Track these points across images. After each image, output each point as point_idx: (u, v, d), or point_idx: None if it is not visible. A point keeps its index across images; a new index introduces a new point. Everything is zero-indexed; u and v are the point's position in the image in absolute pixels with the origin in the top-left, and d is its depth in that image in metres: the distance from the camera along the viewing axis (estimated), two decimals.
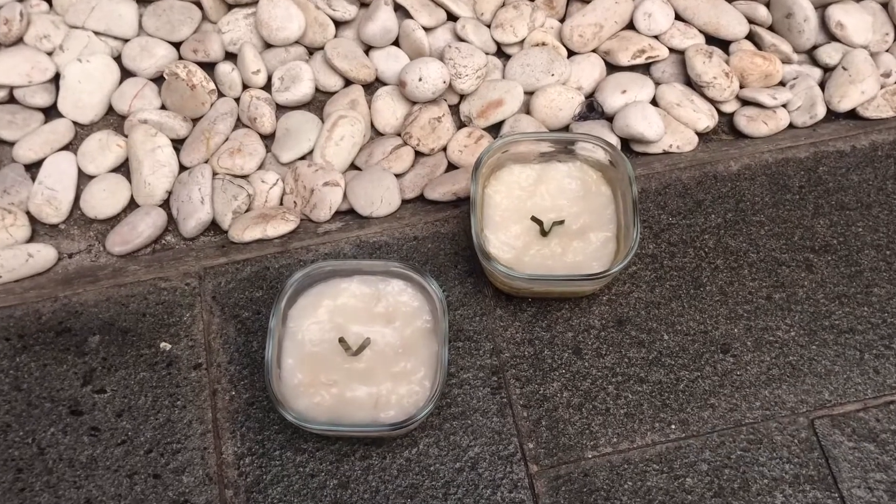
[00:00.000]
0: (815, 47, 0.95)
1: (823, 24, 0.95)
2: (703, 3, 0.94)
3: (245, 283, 0.81)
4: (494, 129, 0.91)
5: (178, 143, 0.90)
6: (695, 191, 0.86)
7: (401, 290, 0.74)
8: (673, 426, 0.76)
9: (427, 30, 0.93)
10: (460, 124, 0.92)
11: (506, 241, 0.78)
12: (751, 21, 0.94)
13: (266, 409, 0.76)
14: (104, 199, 0.87)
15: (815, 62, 0.95)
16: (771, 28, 0.95)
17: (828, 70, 0.94)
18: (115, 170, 0.90)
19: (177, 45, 0.94)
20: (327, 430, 0.68)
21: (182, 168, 0.89)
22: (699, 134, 0.90)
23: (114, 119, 0.93)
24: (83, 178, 0.89)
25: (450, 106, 0.92)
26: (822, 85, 0.93)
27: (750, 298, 0.81)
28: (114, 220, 0.87)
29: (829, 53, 0.94)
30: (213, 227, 0.87)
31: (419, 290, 0.74)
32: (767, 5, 0.96)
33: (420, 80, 0.88)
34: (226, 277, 0.82)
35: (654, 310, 0.81)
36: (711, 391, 0.77)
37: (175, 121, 0.90)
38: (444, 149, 0.90)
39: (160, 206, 0.87)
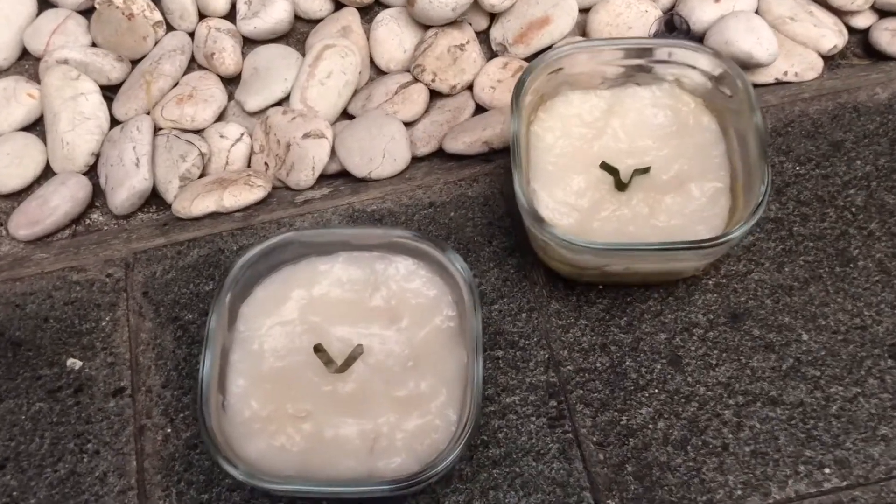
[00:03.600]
0: None
1: None
2: None
3: (189, 271, 0.57)
4: None
5: (109, 92, 0.67)
6: (829, 128, 0.60)
7: (409, 274, 0.49)
8: (827, 470, 0.50)
9: None
10: (491, 55, 0.67)
11: (564, 200, 0.53)
12: None
13: None
14: (8, 166, 0.64)
15: None
16: None
17: None
18: (28, 129, 0.66)
19: None
20: (296, 490, 0.43)
21: (115, 123, 0.65)
22: (824, 57, 0.65)
23: (29, 65, 0.70)
24: None
25: (476, 33, 0.68)
26: None
27: None
28: (23, 196, 0.64)
29: None
30: (155, 200, 0.63)
31: (437, 271, 0.49)
32: None
33: None
34: (163, 265, 0.57)
35: (784, 297, 0.55)
36: (881, 416, 0.51)
37: (105, 59, 0.66)
38: (470, 87, 0.66)
39: (84, 174, 0.64)
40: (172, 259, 0.57)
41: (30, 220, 0.61)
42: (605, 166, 0.53)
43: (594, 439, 0.51)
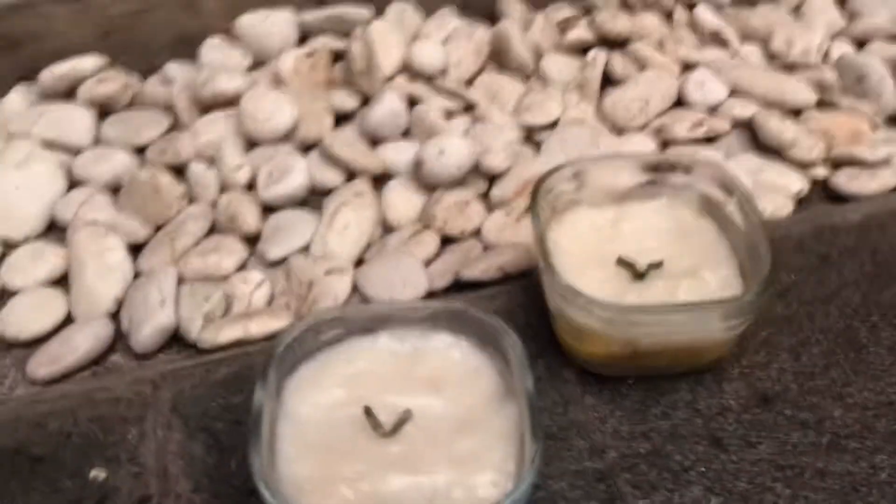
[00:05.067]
0: (893, 118, 0.81)
1: None
2: (758, 74, 0.82)
3: (218, 387, 0.56)
4: None
5: (134, 251, 0.69)
6: (812, 244, 0.66)
7: (450, 346, 0.50)
8: None
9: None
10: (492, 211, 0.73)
11: (587, 291, 0.55)
12: (819, 88, 0.81)
13: None
14: (30, 313, 0.64)
15: None
16: None
17: None
18: (51, 285, 0.68)
19: (140, 151, 0.77)
20: None
21: (138, 277, 0.67)
22: (793, 200, 0.72)
23: (55, 236, 0.73)
24: (6, 297, 0.66)
25: (478, 195, 0.74)
26: None
27: None
28: (42, 343, 0.64)
29: None
30: (177, 341, 0.63)
31: (477, 343, 0.50)
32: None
33: (441, 153, 0.71)
34: (191, 381, 0.57)
35: (807, 381, 0.56)
36: None
37: (132, 222, 0.70)
38: (477, 233, 0.70)
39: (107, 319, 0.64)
40: (201, 377, 0.57)
41: (50, 359, 0.61)
42: (622, 261, 0.56)
43: None
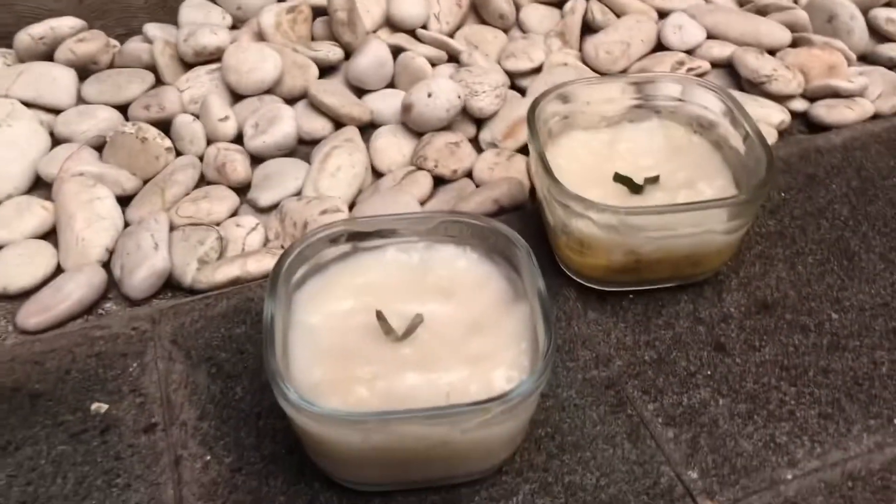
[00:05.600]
0: (863, 56, 0.83)
1: (870, 30, 0.83)
2: (733, 17, 0.83)
3: (219, 319, 0.56)
4: (527, 151, 0.73)
5: (123, 202, 0.68)
6: (799, 165, 0.67)
7: (456, 257, 0.50)
8: None
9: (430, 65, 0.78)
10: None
11: None
12: (791, 29, 0.83)
13: (266, 472, 0.47)
14: (19, 265, 0.63)
15: (875, 63, 0.82)
16: None
17: (893, 67, 0.81)
18: (39, 238, 0.66)
19: (123, 108, 0.76)
20: (379, 417, 0.40)
21: (129, 227, 0.66)
22: (775, 130, 0.73)
23: (41, 192, 0.71)
24: None
25: (467, 139, 0.74)
26: None
27: None
28: (31, 294, 0.62)
29: (891, 48, 0.82)
30: (171, 287, 0.62)
31: (484, 253, 0.50)
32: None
33: (430, 95, 0.71)
34: (191, 316, 0.56)
35: (804, 288, 0.57)
36: None
37: (120, 173, 0.69)
38: (469, 174, 0.71)
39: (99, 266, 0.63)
40: (201, 311, 0.56)
41: (40, 308, 0.59)
42: (619, 177, 0.57)
43: (660, 420, 0.50)
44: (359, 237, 0.49)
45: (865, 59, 0.83)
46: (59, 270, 0.64)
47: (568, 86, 0.59)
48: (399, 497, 0.46)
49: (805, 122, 0.76)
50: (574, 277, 0.57)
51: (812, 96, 0.77)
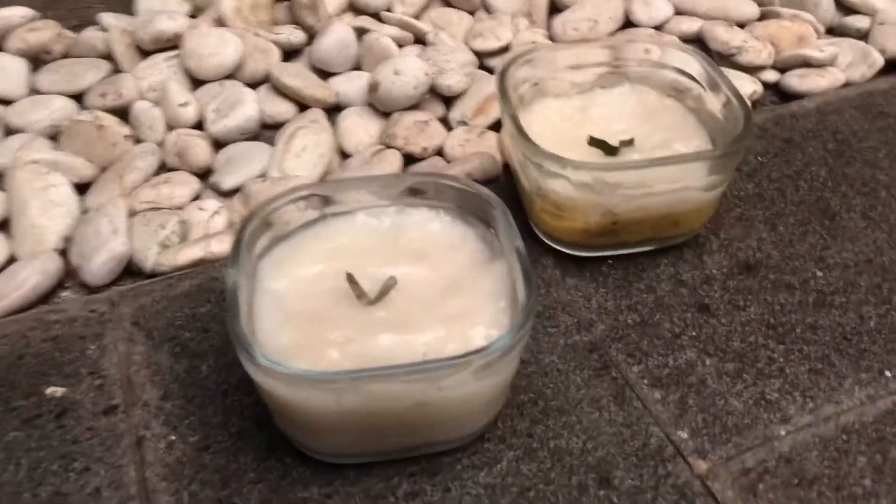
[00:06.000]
0: (830, 29, 0.83)
1: (836, 3, 0.83)
2: None
3: (183, 299, 0.53)
4: (498, 128, 0.71)
5: (81, 190, 0.66)
6: (775, 130, 0.66)
7: (429, 220, 0.48)
8: (888, 373, 0.48)
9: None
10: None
11: None
12: (759, 3, 0.82)
13: (234, 449, 0.44)
14: None
15: (843, 35, 0.81)
16: None
17: (861, 38, 0.81)
18: None
19: (79, 97, 0.73)
20: (352, 375, 0.38)
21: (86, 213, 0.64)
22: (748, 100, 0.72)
23: None
24: None
25: (437, 119, 0.72)
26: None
27: None
28: None
29: (857, 20, 0.81)
30: (132, 272, 0.59)
31: (457, 215, 0.48)
32: None
33: (396, 73, 0.69)
34: (152, 297, 0.53)
35: (787, 248, 0.56)
36: None
37: (76, 160, 0.66)
38: (439, 152, 0.69)
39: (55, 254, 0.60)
40: (162, 291, 0.54)
41: None
42: (593, 141, 0.55)
43: (646, 382, 0.48)
44: (326, 202, 0.47)
45: (833, 31, 0.83)
46: (13, 261, 0.61)
47: (537, 51, 0.58)
48: (376, 469, 0.43)
49: (777, 93, 0.75)
50: (551, 244, 0.55)
51: (783, 67, 0.76)
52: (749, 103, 0.70)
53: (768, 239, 0.56)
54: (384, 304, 0.43)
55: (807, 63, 0.75)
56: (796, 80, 0.73)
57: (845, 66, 0.76)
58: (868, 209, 0.58)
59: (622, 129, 0.57)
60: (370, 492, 0.42)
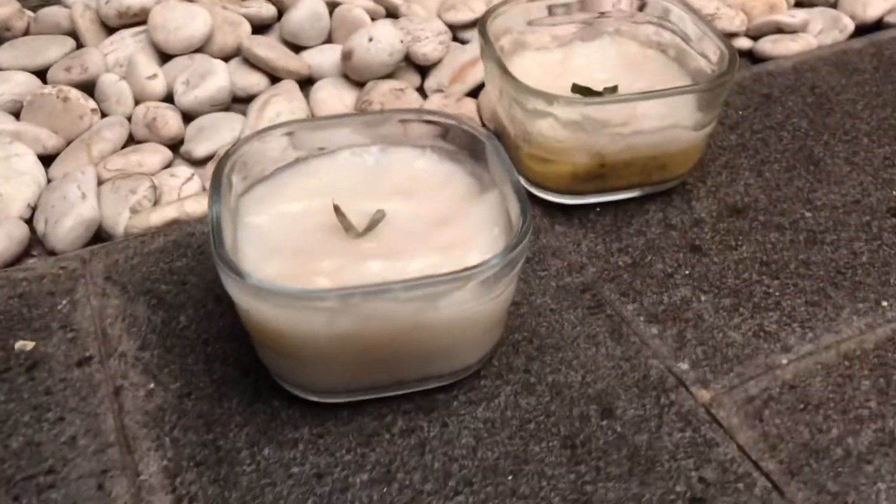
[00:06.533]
0: (799, 3, 0.83)
1: None
2: None
3: (158, 254, 0.51)
4: (476, 95, 0.70)
5: (45, 162, 0.63)
6: (754, 87, 0.65)
7: (415, 158, 0.47)
8: (885, 303, 0.47)
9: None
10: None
11: None
12: None
13: (218, 395, 0.42)
14: None
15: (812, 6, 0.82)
16: None
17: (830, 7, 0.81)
18: None
19: (41, 74, 0.71)
20: (346, 293, 0.36)
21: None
22: None
23: None
24: None
25: (413, 88, 0.71)
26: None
27: (893, 162, 0.57)
28: None
29: None
30: (102, 239, 0.57)
31: (443, 154, 0.47)
32: None
33: (371, 40, 0.68)
34: (125, 254, 0.51)
35: (774, 192, 0.55)
36: None
37: (40, 130, 0.64)
38: None
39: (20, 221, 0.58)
40: (136, 248, 0.51)
41: None
42: (577, 88, 0.54)
43: (642, 318, 0.46)
44: (305, 140, 0.45)
45: (801, 4, 0.83)
46: None
47: (515, 4, 0.57)
48: (368, 408, 0.41)
49: (751, 59, 0.75)
50: (538, 193, 0.54)
51: (756, 34, 0.76)
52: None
53: (755, 184, 0.56)
54: (373, 237, 0.42)
55: (779, 29, 0.75)
56: (769, 46, 0.74)
57: (817, 32, 0.76)
58: (851, 155, 0.58)
59: (605, 79, 0.56)
60: (364, 430, 0.40)
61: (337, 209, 0.42)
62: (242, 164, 0.43)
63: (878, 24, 0.77)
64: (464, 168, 0.46)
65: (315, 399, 0.41)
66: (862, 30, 0.77)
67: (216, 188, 0.41)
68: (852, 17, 0.77)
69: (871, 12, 0.77)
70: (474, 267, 0.36)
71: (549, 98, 0.48)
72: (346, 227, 0.42)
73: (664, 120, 0.50)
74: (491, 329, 0.41)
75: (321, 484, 0.38)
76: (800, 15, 0.76)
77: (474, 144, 0.45)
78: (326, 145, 0.46)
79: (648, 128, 0.50)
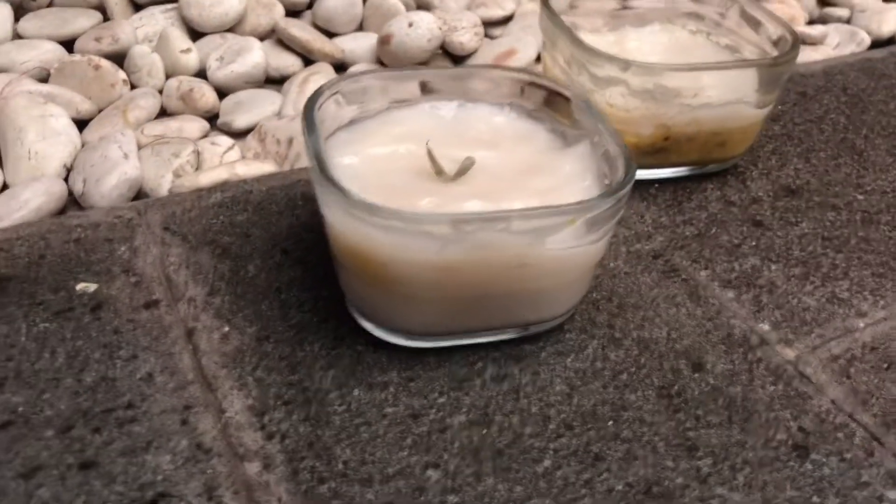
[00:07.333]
0: (811, 22, 0.86)
1: None
2: None
3: (216, 209, 0.49)
4: None
5: (78, 126, 0.61)
6: (788, 86, 0.67)
7: (495, 114, 0.46)
8: None
9: None
10: None
11: None
12: None
13: (298, 339, 0.40)
14: None
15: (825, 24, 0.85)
16: None
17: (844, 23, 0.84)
18: None
19: (69, 43, 0.69)
20: (460, 217, 0.35)
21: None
22: None
23: None
24: None
25: None
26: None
27: None
28: None
29: (838, 10, 0.85)
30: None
31: (522, 111, 0.46)
32: None
33: (411, 25, 0.68)
34: (182, 206, 0.49)
35: (824, 176, 0.56)
36: None
37: (74, 95, 0.62)
38: None
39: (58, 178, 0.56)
40: (192, 202, 0.50)
41: None
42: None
43: (717, 284, 0.46)
44: (385, 91, 0.45)
45: (813, 22, 0.86)
46: (5, 188, 0.56)
47: None
48: (457, 355, 0.40)
49: None
50: None
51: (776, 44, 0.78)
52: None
53: (804, 169, 0.57)
54: (466, 181, 0.41)
55: (802, 39, 0.77)
56: None
57: (834, 45, 0.79)
58: (892, 148, 0.60)
59: (661, 62, 0.57)
60: (455, 376, 0.39)
61: (430, 153, 0.41)
62: (337, 102, 0.42)
63: (892, 40, 0.80)
64: (543, 125, 0.46)
65: (403, 343, 0.40)
66: (877, 45, 0.79)
67: (310, 122, 0.40)
68: (868, 33, 0.80)
69: (887, 28, 0.80)
70: (588, 201, 0.36)
71: (623, 64, 0.49)
72: (438, 171, 0.41)
73: (731, 93, 0.50)
74: (582, 278, 0.41)
75: (418, 424, 0.37)
76: (818, 28, 0.78)
77: (556, 105, 0.45)
78: (407, 96, 0.45)
79: (715, 100, 0.50)
